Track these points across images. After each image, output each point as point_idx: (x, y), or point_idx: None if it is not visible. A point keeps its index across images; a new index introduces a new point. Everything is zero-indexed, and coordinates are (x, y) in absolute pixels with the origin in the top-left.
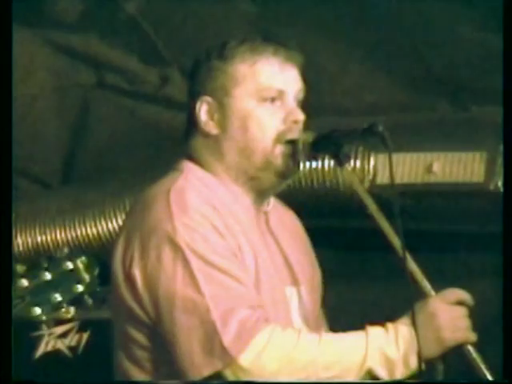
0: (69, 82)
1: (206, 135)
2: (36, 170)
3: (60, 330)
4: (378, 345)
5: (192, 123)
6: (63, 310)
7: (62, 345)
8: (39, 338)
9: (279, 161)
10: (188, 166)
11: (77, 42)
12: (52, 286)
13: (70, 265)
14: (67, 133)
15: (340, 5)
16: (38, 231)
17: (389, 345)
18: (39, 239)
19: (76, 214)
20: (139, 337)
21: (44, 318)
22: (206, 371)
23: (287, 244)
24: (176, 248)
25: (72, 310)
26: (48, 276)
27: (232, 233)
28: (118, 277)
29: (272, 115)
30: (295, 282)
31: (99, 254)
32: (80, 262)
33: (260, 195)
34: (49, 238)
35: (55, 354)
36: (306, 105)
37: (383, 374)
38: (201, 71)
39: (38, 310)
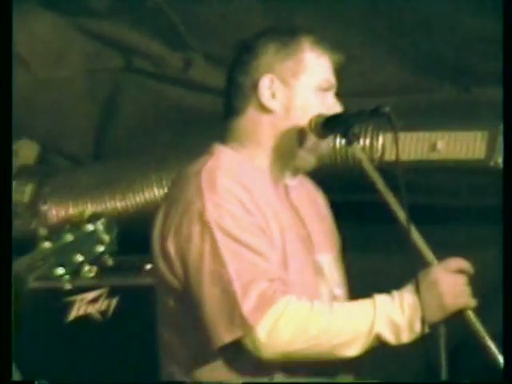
0: (99, 65)
1: (265, 111)
2: (69, 148)
3: (91, 296)
4: (384, 311)
5: (241, 101)
6: (86, 269)
7: (92, 309)
8: (72, 304)
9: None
10: (219, 149)
11: (107, 28)
12: (74, 247)
13: (90, 227)
14: (98, 113)
15: None
16: (70, 204)
17: (395, 311)
18: (71, 212)
19: (106, 188)
20: (175, 305)
21: (67, 277)
22: (227, 338)
23: (308, 215)
24: (205, 225)
25: (94, 269)
26: (70, 238)
27: (260, 209)
28: (156, 250)
29: (322, 105)
30: (319, 250)
31: (127, 225)
32: (100, 224)
33: (292, 173)
34: (81, 210)
35: (86, 318)
36: None
37: (390, 338)
38: (266, 50)
39: (61, 270)
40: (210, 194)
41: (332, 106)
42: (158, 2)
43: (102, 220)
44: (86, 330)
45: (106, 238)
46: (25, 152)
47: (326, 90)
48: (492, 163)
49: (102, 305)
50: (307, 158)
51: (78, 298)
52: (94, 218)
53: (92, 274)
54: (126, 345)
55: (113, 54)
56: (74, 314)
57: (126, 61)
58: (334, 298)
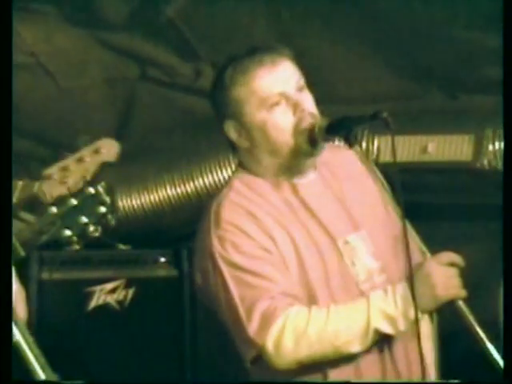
0: (117, 74)
1: (241, 149)
2: None
3: (109, 286)
4: (378, 307)
5: (230, 141)
6: (91, 229)
7: (111, 299)
8: (92, 294)
9: (302, 146)
10: (235, 177)
11: (123, 40)
12: (78, 209)
13: (91, 190)
14: (116, 118)
15: (348, 6)
16: None
17: (388, 304)
18: None
19: (122, 187)
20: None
21: (74, 238)
22: (248, 357)
23: (323, 205)
24: (213, 259)
25: (99, 228)
26: (74, 202)
27: (265, 231)
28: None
29: (282, 115)
30: (356, 227)
31: (143, 221)
32: (100, 187)
33: (293, 175)
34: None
35: (105, 307)
36: (317, 92)
37: (389, 330)
38: (218, 102)
39: (68, 232)
40: (214, 228)
41: (295, 108)
42: (171, 16)
43: (102, 183)
44: (105, 318)
45: (107, 199)
46: (108, 150)
47: (277, 102)
48: (478, 165)
49: (119, 295)
50: (301, 161)
51: (98, 288)
52: (94, 182)
53: (97, 234)
54: (142, 332)
55: (129, 64)
56: (93, 303)
57: (141, 70)
58: (370, 272)
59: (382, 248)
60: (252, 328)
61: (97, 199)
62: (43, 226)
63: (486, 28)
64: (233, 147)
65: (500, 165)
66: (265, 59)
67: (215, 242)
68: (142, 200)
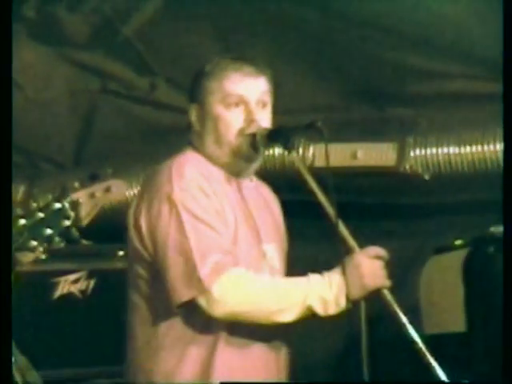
0: (79, 87)
1: (195, 131)
2: (54, 155)
3: (72, 277)
4: (316, 287)
5: (189, 122)
6: (56, 240)
7: (74, 289)
8: (57, 284)
9: (243, 149)
10: (188, 150)
11: (86, 56)
12: (44, 222)
13: (58, 205)
14: (78, 127)
15: (286, 27)
16: None
17: (324, 288)
18: None
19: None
20: (143, 272)
21: (40, 248)
22: (186, 297)
23: (257, 209)
24: (172, 204)
25: (63, 240)
26: (41, 215)
27: (217, 196)
28: (130, 226)
29: (234, 117)
30: (264, 240)
31: (102, 218)
32: (66, 202)
33: (237, 175)
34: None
35: (69, 296)
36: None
37: (319, 310)
38: (193, 85)
39: (34, 243)
40: (177, 180)
41: (247, 116)
42: (128, 35)
43: (68, 199)
44: (69, 306)
45: (72, 214)
46: (117, 189)
47: (236, 103)
48: (401, 169)
49: (82, 285)
50: (238, 162)
51: (62, 279)
52: (61, 198)
53: (62, 245)
54: (102, 318)
55: (90, 78)
56: (58, 292)
57: (102, 84)
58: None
59: (282, 265)
60: (204, 271)
61: (62, 214)
62: (13, 236)
63: (409, 49)
64: (188, 127)
65: (420, 169)
66: (243, 67)
67: (177, 191)
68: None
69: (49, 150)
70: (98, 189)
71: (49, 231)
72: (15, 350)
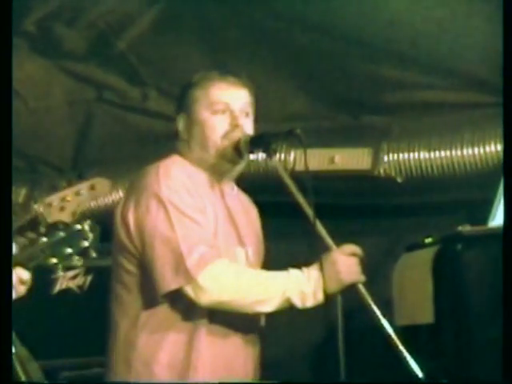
0: (77, 97)
1: (182, 139)
2: (53, 160)
3: (71, 273)
4: (296, 281)
5: (176, 131)
6: (75, 259)
7: (72, 284)
8: (56, 279)
9: (227, 152)
10: (174, 156)
11: (82, 68)
12: (65, 241)
13: (78, 226)
14: (75, 134)
15: (269, 38)
16: None
17: (303, 282)
18: None
19: None
20: (128, 265)
21: (60, 265)
22: (173, 286)
23: (238, 214)
24: (159, 201)
25: (81, 259)
26: (62, 234)
27: (200, 196)
28: (117, 221)
29: (220, 122)
30: (242, 243)
31: (99, 220)
32: (86, 225)
33: (221, 177)
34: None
35: (67, 291)
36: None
37: (298, 303)
38: (180, 97)
39: (54, 260)
40: (164, 180)
41: (232, 122)
42: (122, 48)
43: (88, 222)
44: (67, 300)
45: (91, 235)
46: (101, 187)
47: (222, 111)
48: (376, 172)
49: (79, 281)
50: (223, 165)
51: (61, 275)
52: (81, 220)
53: (80, 263)
54: (98, 311)
55: (87, 88)
56: (58, 287)
57: (97, 94)
58: None
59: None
60: (190, 261)
61: (82, 234)
62: (33, 253)
63: (383, 61)
64: (176, 136)
65: (393, 173)
66: (228, 78)
67: (164, 188)
68: (99, 202)
69: (48, 155)
70: (83, 187)
71: (69, 250)
72: (16, 342)
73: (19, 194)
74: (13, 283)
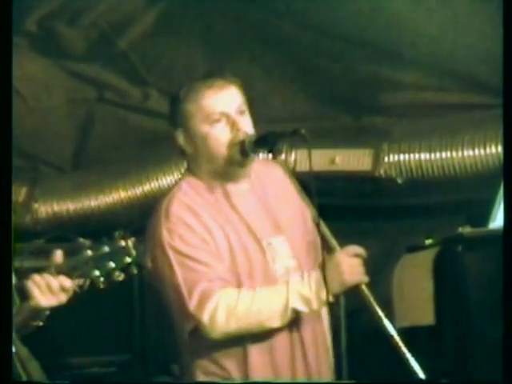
0: (78, 97)
1: (187, 154)
2: (54, 160)
3: None
4: (295, 289)
5: (179, 147)
6: (116, 274)
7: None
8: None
9: (235, 157)
10: (186, 176)
11: (84, 68)
12: (109, 256)
13: (123, 242)
14: (77, 134)
15: (272, 41)
16: (55, 203)
17: (304, 287)
18: (56, 209)
19: (82, 191)
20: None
21: (101, 278)
22: (188, 328)
23: (250, 211)
24: (162, 247)
25: (122, 274)
26: (107, 249)
27: (205, 226)
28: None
29: (221, 131)
30: (279, 231)
31: (99, 219)
32: (130, 241)
33: (232, 181)
34: (63, 208)
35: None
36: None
37: (304, 309)
38: (172, 112)
39: (97, 272)
40: (164, 222)
41: (232, 127)
42: (123, 48)
43: (132, 239)
44: (67, 300)
45: (134, 252)
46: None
47: (219, 119)
48: (376, 173)
49: (80, 280)
50: (233, 170)
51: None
52: (125, 237)
53: (120, 278)
54: (98, 311)
55: (88, 88)
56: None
57: (99, 93)
58: (287, 269)
59: (299, 250)
60: (192, 304)
61: (125, 251)
62: (78, 264)
63: (384, 62)
64: (181, 152)
65: (394, 174)
66: (214, 83)
67: (164, 233)
68: (99, 201)
69: (49, 155)
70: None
71: (112, 264)
72: (16, 341)
73: (19, 194)
74: (54, 290)
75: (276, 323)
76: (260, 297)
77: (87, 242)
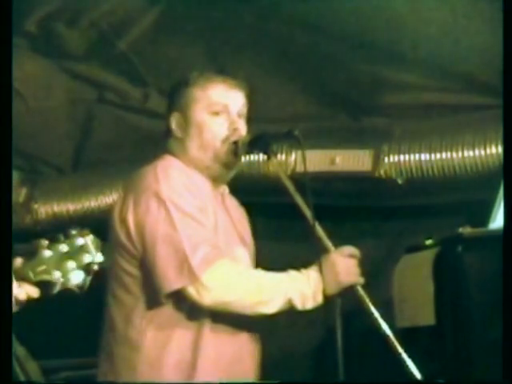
0: (77, 97)
1: (176, 138)
2: (54, 161)
3: None
4: (296, 282)
5: (168, 129)
6: (76, 273)
7: (72, 284)
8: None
9: (225, 156)
10: (168, 157)
11: (83, 68)
12: (68, 255)
13: (81, 240)
14: (76, 134)
15: (269, 42)
16: (55, 204)
17: (303, 284)
18: (56, 209)
19: (82, 192)
20: (129, 267)
21: (61, 279)
22: (177, 285)
23: (236, 215)
24: (160, 200)
25: (83, 273)
26: (66, 248)
27: (201, 196)
28: (116, 223)
29: (219, 124)
30: (244, 243)
31: (98, 220)
32: (89, 239)
33: (215, 180)
34: (63, 208)
35: (67, 291)
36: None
37: (298, 304)
38: (174, 95)
39: (57, 274)
40: (164, 179)
41: (230, 125)
42: (123, 49)
43: (91, 236)
44: (68, 300)
45: (93, 250)
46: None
47: (220, 112)
48: (376, 174)
49: (59, 282)
50: (218, 169)
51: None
52: (83, 233)
53: (81, 277)
54: (97, 312)
55: (88, 88)
56: (57, 288)
57: (98, 94)
58: None
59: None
60: (195, 261)
61: (84, 249)
62: (36, 266)
63: (383, 62)
64: (166, 135)
65: (394, 174)
66: (227, 80)
67: (165, 188)
68: (99, 202)
69: (49, 155)
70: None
71: (71, 264)
72: (14, 342)
73: (19, 194)
74: (18, 297)
75: (269, 308)
76: (263, 278)
77: (45, 242)
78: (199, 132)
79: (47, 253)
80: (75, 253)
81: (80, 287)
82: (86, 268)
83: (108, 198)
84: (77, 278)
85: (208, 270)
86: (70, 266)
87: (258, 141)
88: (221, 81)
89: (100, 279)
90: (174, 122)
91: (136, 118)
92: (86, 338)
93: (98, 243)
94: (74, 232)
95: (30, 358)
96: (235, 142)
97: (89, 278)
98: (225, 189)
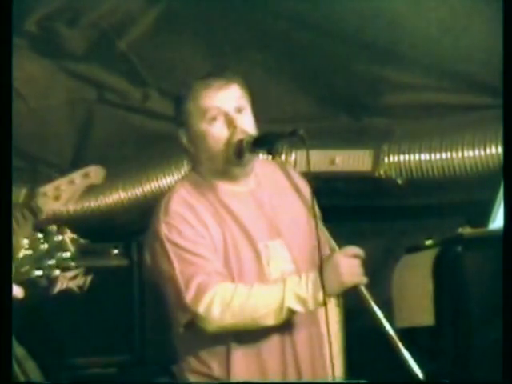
0: (78, 97)
1: (190, 153)
2: (54, 160)
3: (71, 274)
4: (292, 289)
5: (182, 146)
6: (56, 270)
7: (72, 284)
8: (56, 280)
9: (232, 155)
10: (187, 175)
11: (83, 68)
12: (47, 254)
13: (59, 237)
14: (76, 134)
15: (271, 42)
16: None
17: (300, 288)
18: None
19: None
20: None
21: (43, 277)
22: (183, 320)
23: (245, 214)
24: (160, 241)
25: (58, 271)
26: (45, 247)
27: (202, 222)
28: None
29: (218, 129)
30: (277, 234)
31: (99, 219)
32: (67, 236)
33: (237, 180)
34: (63, 208)
35: (67, 291)
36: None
37: (299, 309)
38: (175, 112)
39: (38, 272)
40: (163, 216)
41: (230, 125)
42: (123, 49)
43: (69, 233)
44: (67, 300)
45: (71, 247)
46: (95, 174)
47: (216, 117)
48: (376, 174)
49: (79, 281)
50: (229, 169)
51: (61, 275)
52: (61, 231)
53: (59, 274)
54: (98, 311)
55: (88, 88)
56: (58, 287)
57: (98, 94)
58: (283, 273)
59: (298, 255)
60: (189, 296)
61: (62, 246)
62: (18, 266)
63: (384, 63)
64: (185, 152)
65: (394, 174)
66: (213, 82)
67: (163, 227)
68: (99, 202)
69: (49, 155)
70: (76, 176)
71: (51, 262)
72: (14, 342)
73: (19, 194)
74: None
75: (270, 321)
76: (256, 293)
77: (23, 241)
78: (204, 143)
79: (28, 252)
80: (54, 250)
81: (80, 287)
82: (65, 265)
83: (108, 198)
84: (55, 274)
85: (202, 300)
86: (50, 264)
87: (263, 140)
88: (207, 86)
89: (100, 279)
90: (184, 138)
91: (136, 117)
92: (86, 338)
93: (77, 240)
94: (50, 229)
95: (29, 358)
96: (240, 141)
97: (89, 278)
98: (255, 182)
